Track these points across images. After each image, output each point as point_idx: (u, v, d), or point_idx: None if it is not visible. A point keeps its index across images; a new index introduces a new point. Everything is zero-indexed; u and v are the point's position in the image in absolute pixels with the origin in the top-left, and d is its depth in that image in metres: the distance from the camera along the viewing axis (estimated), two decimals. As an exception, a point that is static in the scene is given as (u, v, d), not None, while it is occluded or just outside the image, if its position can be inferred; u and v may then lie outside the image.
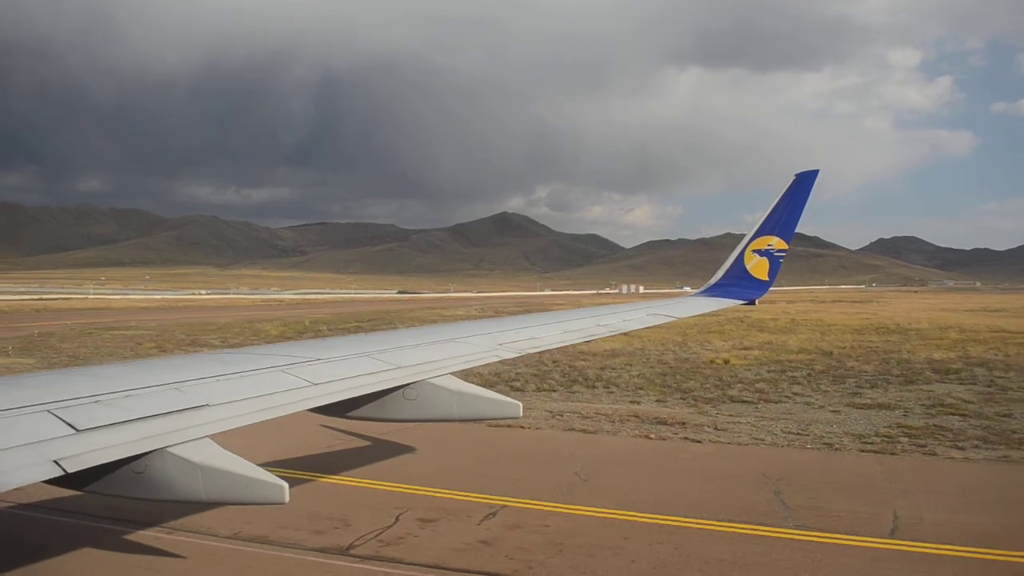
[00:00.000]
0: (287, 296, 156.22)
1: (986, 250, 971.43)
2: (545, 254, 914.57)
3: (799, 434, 16.05)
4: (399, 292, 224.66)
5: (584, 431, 16.33)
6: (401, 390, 6.14)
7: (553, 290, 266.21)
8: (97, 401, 4.51)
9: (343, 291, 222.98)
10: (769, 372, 26.12)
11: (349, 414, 6.11)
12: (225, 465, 4.31)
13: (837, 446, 15.00)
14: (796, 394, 21.50)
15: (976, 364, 27.94)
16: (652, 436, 15.80)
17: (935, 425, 16.91)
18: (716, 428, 16.55)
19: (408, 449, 14.29)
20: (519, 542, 9.10)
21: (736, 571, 8.37)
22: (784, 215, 12.71)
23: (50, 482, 3.80)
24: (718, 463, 13.60)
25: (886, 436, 15.76)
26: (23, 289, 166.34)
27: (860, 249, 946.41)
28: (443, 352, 7.12)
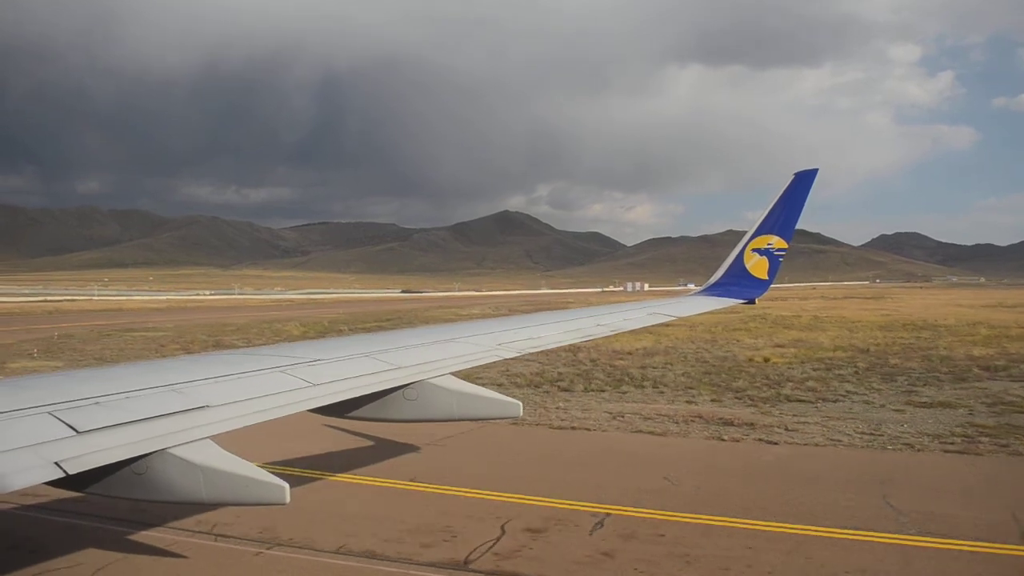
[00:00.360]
0: (294, 296, 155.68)
1: (988, 245, 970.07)
2: (547, 252, 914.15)
3: (872, 435, 15.58)
4: (403, 291, 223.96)
5: (652, 433, 15.85)
6: (401, 390, 6.10)
7: (554, 288, 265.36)
8: (98, 403, 4.49)
9: (347, 291, 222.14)
10: (814, 370, 25.67)
11: (349, 414, 6.07)
12: (226, 466, 4.28)
13: (918, 447, 14.53)
14: (850, 393, 21.05)
15: (1020, 361, 27.49)
16: (725, 438, 15.32)
17: (1008, 424, 16.47)
18: (786, 429, 16.07)
19: (465, 453, 13.93)
20: (641, 554, 8.63)
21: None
22: (783, 214, 12.60)
23: (51, 484, 3.78)
24: (808, 466, 13.11)
25: (964, 436, 15.28)
26: (27, 291, 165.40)
27: (862, 245, 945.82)
28: (443, 352, 7.09)
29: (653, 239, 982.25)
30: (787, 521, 9.83)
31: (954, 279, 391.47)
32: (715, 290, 13.49)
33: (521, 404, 6.42)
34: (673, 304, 13.15)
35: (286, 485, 4.28)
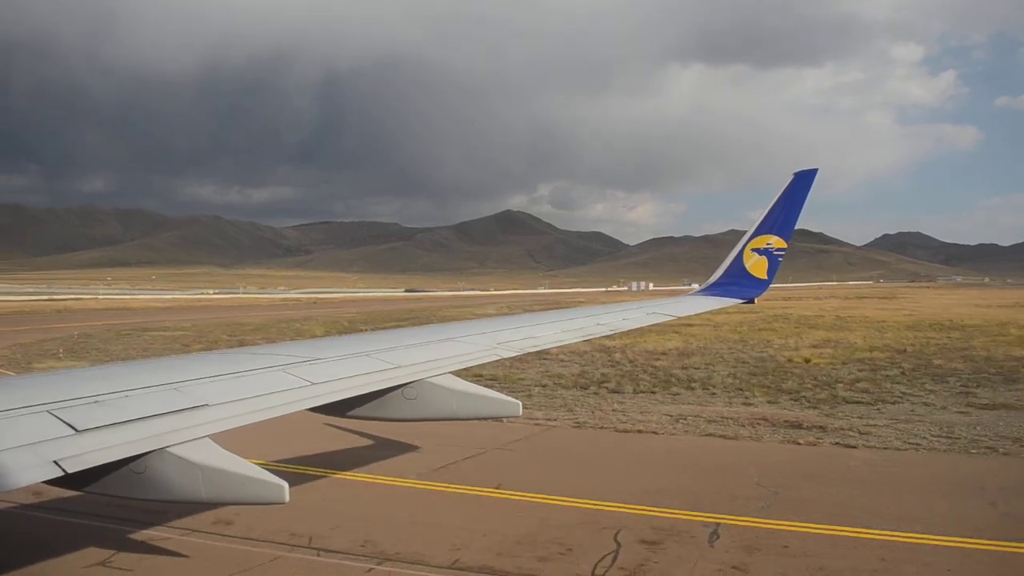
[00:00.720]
0: (300, 296, 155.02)
1: (991, 245, 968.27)
2: (550, 252, 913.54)
3: (949, 438, 15.11)
4: (406, 291, 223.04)
5: (723, 437, 15.36)
6: (400, 389, 6.07)
7: (557, 288, 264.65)
8: (96, 401, 4.47)
9: (353, 290, 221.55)
10: (860, 371, 25.21)
11: (349, 413, 6.02)
12: (225, 465, 4.25)
13: (1003, 450, 14.06)
14: (906, 395, 20.57)
15: (1065, 360, 27.05)
16: (800, 442, 14.84)
17: (1084, 425, 16.01)
18: (859, 433, 15.59)
19: (538, 457, 13.49)
20: (776, 567, 8.15)
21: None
22: (783, 214, 12.48)
23: (50, 482, 3.77)
24: (899, 471, 12.63)
25: (1045, 439, 14.82)
26: (31, 290, 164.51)
27: (865, 245, 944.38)
28: (442, 351, 7.04)
29: (655, 239, 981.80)
30: (902, 529, 9.37)
31: (959, 279, 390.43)
32: (714, 290, 13.37)
33: (521, 404, 6.30)
34: (672, 304, 13.01)
35: (285, 484, 4.20)
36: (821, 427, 16.07)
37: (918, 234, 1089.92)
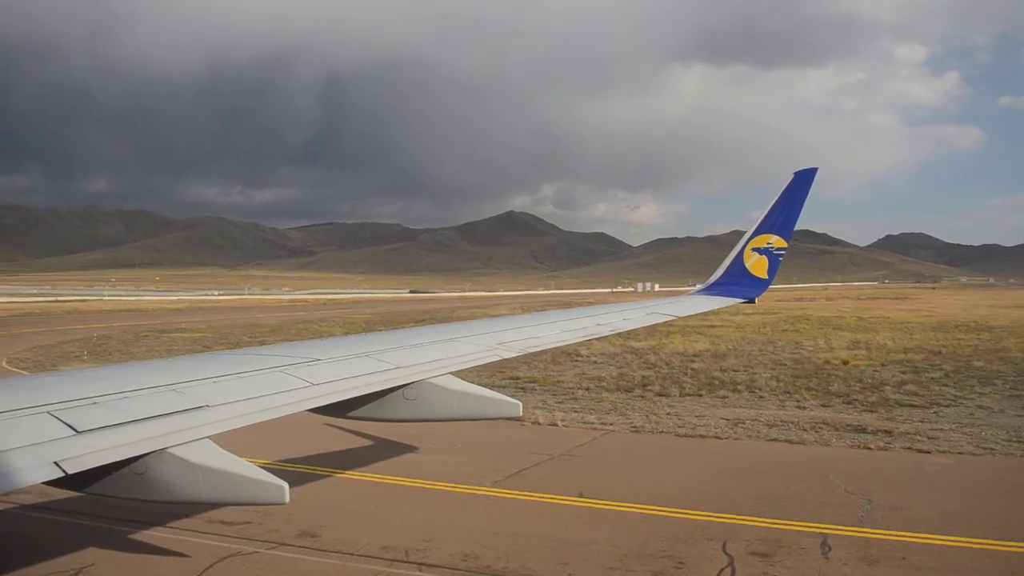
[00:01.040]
0: (308, 296, 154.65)
1: (995, 246, 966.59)
2: (553, 253, 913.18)
3: (1020, 442, 14.72)
4: (410, 291, 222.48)
5: (789, 442, 14.96)
6: (401, 390, 6.05)
7: (563, 289, 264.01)
8: (96, 403, 4.48)
9: (359, 291, 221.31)
10: (902, 373, 24.82)
11: (349, 414, 6.01)
12: (225, 466, 4.25)
13: (1082, 455, 13.65)
14: (958, 397, 20.17)
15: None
16: (871, 446, 14.44)
17: None
18: (927, 437, 15.19)
19: (611, 463, 13.10)
20: (904, 581, 7.75)
21: None
22: (783, 213, 12.40)
23: (50, 483, 3.77)
24: (984, 476, 12.35)
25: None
26: (35, 291, 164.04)
27: (869, 246, 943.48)
28: (443, 352, 7.01)
29: (659, 239, 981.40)
30: (1019, 538, 8.96)
31: (963, 280, 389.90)
32: (715, 289, 13.26)
33: (521, 404, 6.25)
34: (673, 304, 12.90)
35: (285, 485, 4.20)
36: (887, 431, 15.67)
37: (921, 235, 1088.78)
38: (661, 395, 20.73)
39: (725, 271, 13.19)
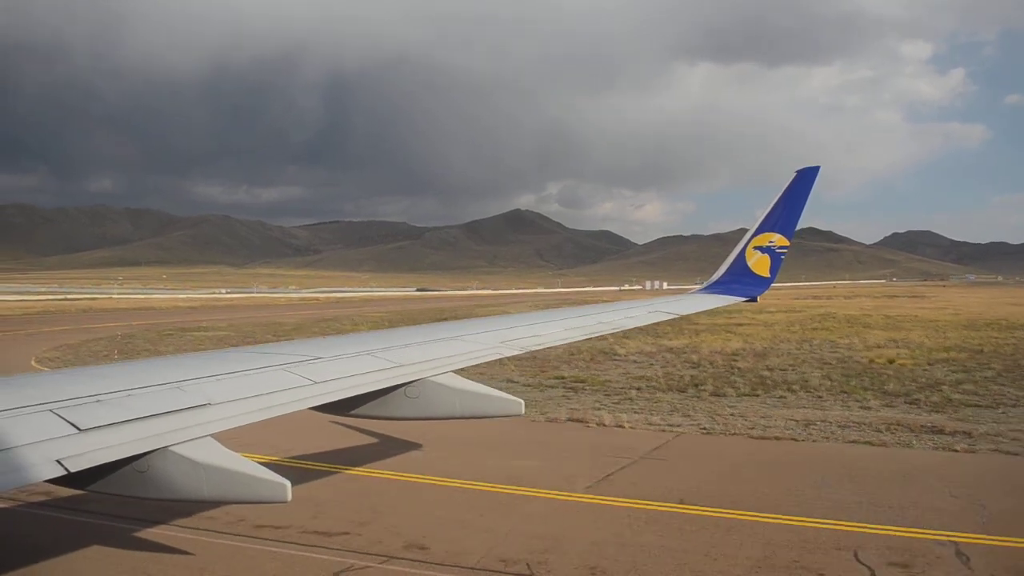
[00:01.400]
0: (319, 295, 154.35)
1: (1002, 244, 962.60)
2: (558, 251, 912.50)
3: (1112, 446, 14.23)
4: (417, 289, 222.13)
5: (870, 444, 14.49)
6: (403, 388, 6.02)
7: (571, 287, 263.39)
8: (99, 400, 4.46)
9: (367, 289, 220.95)
10: (952, 372, 24.32)
11: (351, 412, 5.98)
12: (228, 464, 4.23)
13: None
14: (1021, 397, 19.67)
15: None
16: (957, 448, 13.97)
17: None
18: (1009, 438, 14.73)
19: (692, 468, 12.64)
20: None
21: None
22: (785, 212, 12.36)
23: (53, 481, 3.77)
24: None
25: None
26: (43, 289, 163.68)
27: (875, 244, 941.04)
28: (445, 350, 6.97)
29: (664, 237, 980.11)
30: None
31: (972, 278, 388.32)
32: (717, 288, 13.19)
33: (523, 402, 6.18)
34: (675, 302, 12.78)
35: (287, 483, 4.16)
36: (966, 433, 15.19)
37: (928, 232, 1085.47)
38: (716, 395, 20.26)
39: (727, 269, 13.15)
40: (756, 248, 12.59)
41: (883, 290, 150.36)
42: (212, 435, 4.46)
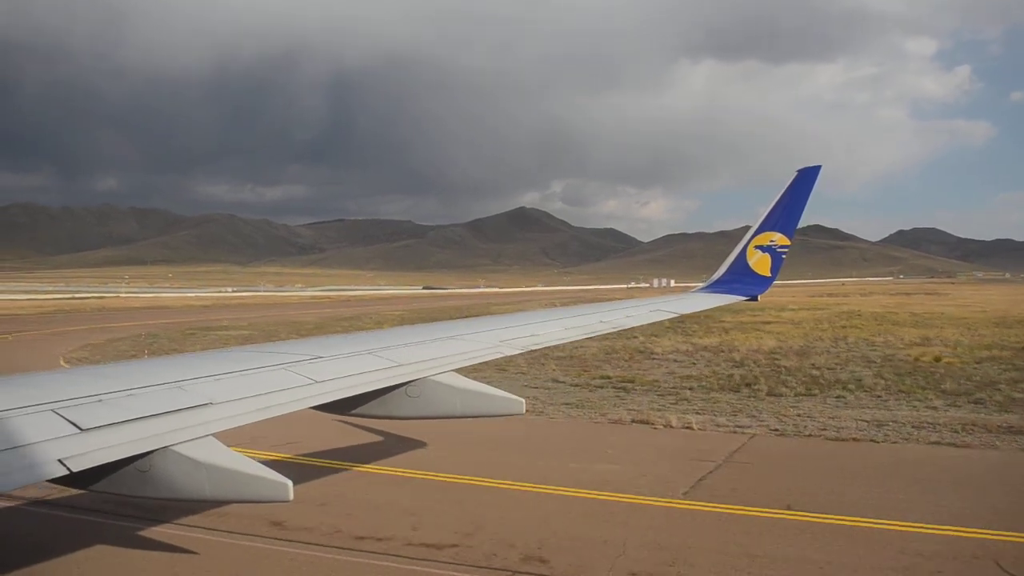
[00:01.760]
0: (330, 293, 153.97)
1: (1008, 240, 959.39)
2: (563, 249, 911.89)
3: None
4: (424, 288, 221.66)
5: (953, 445, 14.02)
6: (404, 387, 6.05)
7: (577, 285, 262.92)
8: (101, 400, 4.47)
9: (375, 287, 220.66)
10: (1005, 371, 23.80)
11: (352, 411, 5.99)
12: (229, 463, 4.23)
13: None
14: (1084, 395, 19.18)
15: None
16: (1047, 451, 13.49)
17: None
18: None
19: (775, 471, 12.16)
20: None
21: None
22: (786, 211, 12.35)
23: (55, 481, 3.77)
24: None
25: None
26: (51, 288, 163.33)
27: (880, 241, 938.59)
28: (445, 349, 6.98)
29: (669, 235, 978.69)
30: None
31: (979, 275, 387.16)
32: (718, 287, 13.19)
33: (524, 401, 6.16)
34: (676, 301, 12.78)
35: (289, 482, 4.15)
36: (1052, 435, 14.72)
37: (933, 230, 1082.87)
38: (772, 395, 19.78)
39: (728, 268, 13.10)
40: (757, 247, 12.57)
41: (895, 287, 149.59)
42: (213, 434, 4.44)
